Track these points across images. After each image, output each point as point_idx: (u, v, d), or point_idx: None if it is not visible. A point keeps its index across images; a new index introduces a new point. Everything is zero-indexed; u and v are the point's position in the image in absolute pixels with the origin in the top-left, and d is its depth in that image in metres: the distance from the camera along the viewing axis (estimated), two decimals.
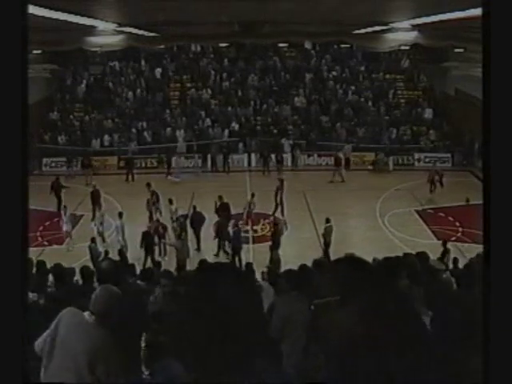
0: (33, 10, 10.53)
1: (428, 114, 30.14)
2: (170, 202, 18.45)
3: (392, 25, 21.67)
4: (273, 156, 26.68)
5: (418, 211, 21.01)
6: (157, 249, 16.80)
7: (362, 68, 32.41)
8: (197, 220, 17.72)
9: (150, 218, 18.90)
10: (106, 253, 15.04)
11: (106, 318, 3.78)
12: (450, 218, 20.08)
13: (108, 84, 31.90)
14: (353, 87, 31.41)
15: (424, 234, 18.72)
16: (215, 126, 29.30)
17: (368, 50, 29.37)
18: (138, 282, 8.68)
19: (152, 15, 16.89)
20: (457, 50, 25.85)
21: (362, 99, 30.74)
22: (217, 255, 17.03)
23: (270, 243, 16.51)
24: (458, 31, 20.73)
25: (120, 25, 20.60)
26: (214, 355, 1.53)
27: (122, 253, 15.11)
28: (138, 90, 31.37)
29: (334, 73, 32.14)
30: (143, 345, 4.35)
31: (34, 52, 24.03)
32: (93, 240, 16.06)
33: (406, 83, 31.98)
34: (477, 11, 10.63)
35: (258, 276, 11.12)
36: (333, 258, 13.56)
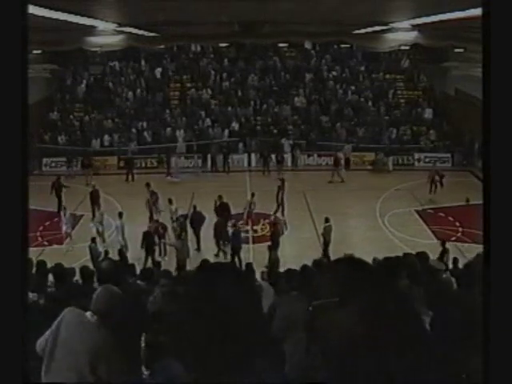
0: (33, 10, 10.53)
1: (428, 114, 30.14)
2: (170, 201, 18.47)
3: (392, 25, 21.69)
4: (273, 156, 26.66)
5: (417, 211, 21.02)
6: (157, 249, 16.82)
7: (362, 68, 32.42)
8: (197, 220, 17.74)
9: (150, 218, 18.92)
10: (106, 253, 15.05)
11: (107, 318, 3.79)
12: (450, 218, 20.09)
13: (108, 84, 31.90)
14: (353, 87, 31.41)
15: (424, 234, 18.73)
16: (215, 126, 29.30)
17: (368, 49, 29.37)
18: (138, 281, 8.69)
19: (152, 15, 16.90)
20: (457, 50, 25.86)
21: (362, 99, 30.73)
22: (217, 255, 17.04)
23: (269, 243, 16.53)
24: (458, 31, 20.74)
25: (120, 25, 20.61)
26: (214, 355, 1.53)
27: (121, 253, 15.12)
28: (138, 90, 31.37)
29: (334, 73, 32.15)
30: (143, 345, 4.36)
31: (34, 52, 24.03)
32: (93, 240, 16.09)
33: (405, 83, 31.99)
34: (477, 11, 10.64)
35: (258, 276, 11.14)
36: (333, 258, 13.56)
